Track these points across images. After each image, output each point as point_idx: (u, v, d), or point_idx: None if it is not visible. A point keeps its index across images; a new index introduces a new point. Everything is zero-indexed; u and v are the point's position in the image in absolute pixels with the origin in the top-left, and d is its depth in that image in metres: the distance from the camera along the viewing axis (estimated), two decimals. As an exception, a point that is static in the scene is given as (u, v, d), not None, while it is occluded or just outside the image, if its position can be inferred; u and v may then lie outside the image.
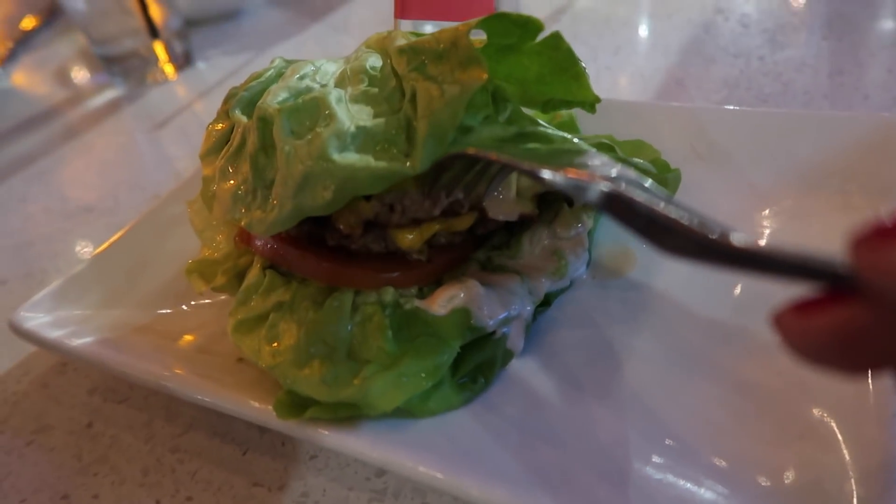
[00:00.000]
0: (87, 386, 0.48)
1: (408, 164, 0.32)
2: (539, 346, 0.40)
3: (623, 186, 0.25)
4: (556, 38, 0.35)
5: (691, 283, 0.42)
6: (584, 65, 0.37)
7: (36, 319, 0.45)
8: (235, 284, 0.41)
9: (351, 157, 0.33)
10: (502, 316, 0.37)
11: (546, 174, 0.27)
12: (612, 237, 0.46)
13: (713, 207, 0.45)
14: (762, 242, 0.21)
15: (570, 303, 0.43)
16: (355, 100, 0.35)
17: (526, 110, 0.42)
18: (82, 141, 0.81)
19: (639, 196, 0.24)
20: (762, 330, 0.37)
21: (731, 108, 0.51)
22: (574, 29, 0.80)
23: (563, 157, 0.30)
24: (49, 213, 0.69)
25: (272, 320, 0.37)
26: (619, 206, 0.24)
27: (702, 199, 0.46)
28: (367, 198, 0.36)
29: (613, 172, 0.26)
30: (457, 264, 0.40)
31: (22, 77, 1.01)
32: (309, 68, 0.39)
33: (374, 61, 0.38)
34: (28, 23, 1.16)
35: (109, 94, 0.89)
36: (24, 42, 1.11)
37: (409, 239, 0.36)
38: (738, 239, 0.21)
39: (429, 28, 0.72)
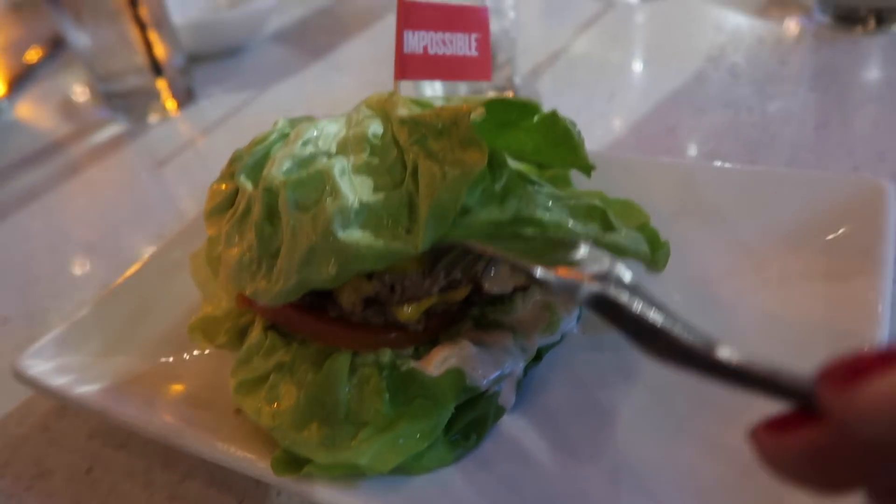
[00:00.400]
0: (87, 430, 0.49)
1: (410, 244, 0.34)
2: (530, 402, 0.41)
3: (612, 289, 0.26)
4: (553, 116, 0.37)
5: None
6: (580, 135, 0.39)
7: (38, 366, 0.45)
8: (237, 341, 0.42)
9: (355, 235, 0.34)
10: (495, 375, 0.38)
11: (538, 272, 0.29)
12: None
13: (701, 265, 0.47)
14: (743, 357, 0.22)
15: (561, 357, 0.44)
16: (358, 170, 0.37)
17: (517, 163, 0.44)
18: (85, 177, 0.82)
19: (627, 300, 0.25)
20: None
21: (720, 164, 0.53)
22: (570, 74, 0.82)
23: (557, 249, 0.31)
24: (52, 250, 0.70)
25: (272, 381, 0.38)
26: (607, 309, 0.26)
27: (690, 255, 0.48)
28: (369, 276, 0.38)
29: (603, 267, 0.28)
30: (452, 324, 0.41)
31: (26, 110, 1.03)
32: (311, 133, 0.41)
33: (376, 128, 0.40)
34: (33, 55, 1.18)
35: (112, 130, 0.91)
36: (28, 74, 1.13)
37: (407, 313, 0.38)
38: (721, 353, 0.22)
39: (427, 89, 0.74)
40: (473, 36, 0.46)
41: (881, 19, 0.76)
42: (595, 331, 0.46)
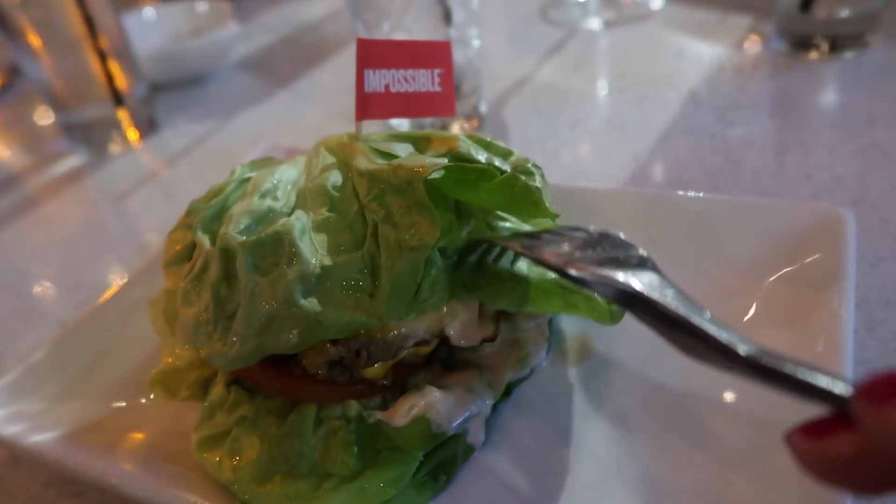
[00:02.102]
0: (42, 479, 0.47)
1: (375, 316, 0.34)
2: (500, 438, 0.41)
3: (647, 288, 0.26)
4: (513, 178, 0.37)
5: (650, 369, 0.43)
6: (543, 182, 0.39)
7: (-10, 414, 0.44)
8: (200, 393, 0.41)
9: (317, 304, 0.33)
10: (462, 419, 0.38)
11: (573, 272, 0.29)
12: (572, 323, 0.47)
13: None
14: (781, 359, 0.23)
15: (531, 390, 0.44)
16: (318, 228, 0.36)
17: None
18: (44, 211, 0.80)
19: (663, 299, 0.25)
20: (718, 419, 0.38)
21: (683, 193, 0.54)
22: (534, 102, 0.82)
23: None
24: (9, 289, 0.68)
25: (234, 434, 0.37)
26: (643, 308, 0.26)
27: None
28: (334, 342, 0.37)
29: (637, 267, 0.28)
30: (419, 370, 0.40)
31: (-17, 141, 1.00)
32: (269, 183, 0.40)
33: (335, 179, 0.39)
34: (-10, 84, 1.15)
35: (72, 162, 0.89)
36: (-14, 104, 1.10)
37: (373, 371, 0.37)
38: (754, 353, 0.23)
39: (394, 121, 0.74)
40: (436, 71, 0.46)
41: (835, 46, 0.78)
42: (563, 363, 0.45)
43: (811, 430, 0.23)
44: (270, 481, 0.34)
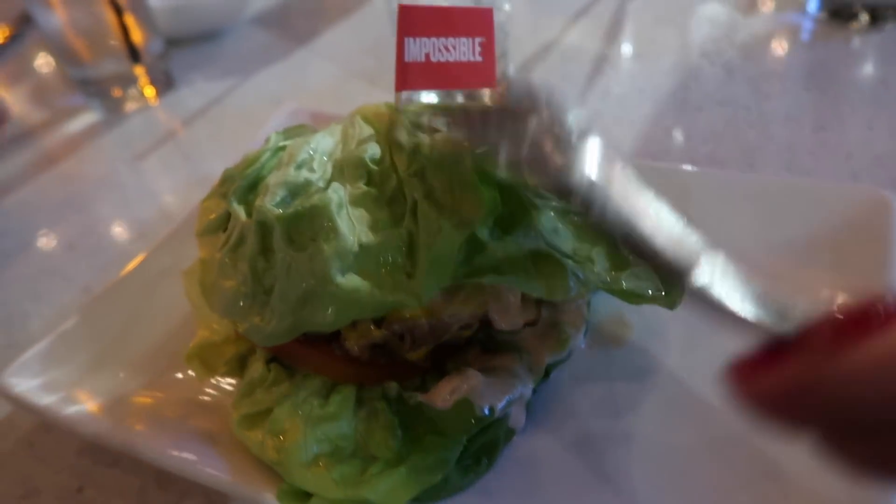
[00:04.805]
0: (76, 446, 0.47)
1: (413, 295, 0.33)
2: (541, 421, 0.41)
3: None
4: None
5: (689, 350, 0.43)
6: None
7: (24, 384, 0.43)
8: (237, 370, 0.41)
9: (354, 282, 0.33)
10: (505, 402, 0.37)
11: None
12: (610, 305, 0.47)
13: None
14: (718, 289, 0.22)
15: (570, 372, 0.43)
16: (356, 202, 0.35)
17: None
18: (61, 170, 0.79)
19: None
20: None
21: (720, 172, 0.53)
22: (563, 68, 0.80)
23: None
24: (31, 249, 0.67)
25: (276, 414, 0.37)
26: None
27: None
28: (378, 324, 0.36)
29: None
30: (459, 352, 0.40)
31: (-5, 94, 0.98)
32: (305, 153, 0.39)
33: (374, 151, 0.38)
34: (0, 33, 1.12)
35: (87, 119, 0.87)
36: (-4, 54, 1.08)
37: (415, 353, 0.37)
38: (698, 279, 0.23)
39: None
40: (477, 40, 0.44)
41: (875, 16, 0.76)
42: (601, 345, 0.45)
43: (753, 363, 0.22)
44: (315, 464, 0.34)
